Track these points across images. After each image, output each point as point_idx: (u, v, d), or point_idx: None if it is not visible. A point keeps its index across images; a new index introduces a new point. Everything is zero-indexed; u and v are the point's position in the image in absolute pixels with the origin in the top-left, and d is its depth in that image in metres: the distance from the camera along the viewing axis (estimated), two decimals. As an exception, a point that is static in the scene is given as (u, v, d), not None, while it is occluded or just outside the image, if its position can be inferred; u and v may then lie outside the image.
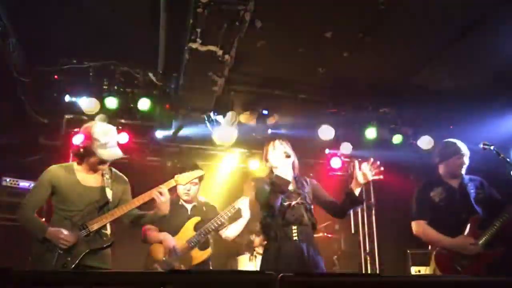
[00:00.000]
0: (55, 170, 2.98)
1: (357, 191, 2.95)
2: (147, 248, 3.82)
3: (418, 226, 3.58)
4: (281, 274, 1.44)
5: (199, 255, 3.77)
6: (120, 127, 5.43)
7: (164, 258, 3.66)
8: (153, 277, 1.51)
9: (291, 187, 3.04)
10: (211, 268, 3.90)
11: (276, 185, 2.94)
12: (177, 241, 3.71)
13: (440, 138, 5.99)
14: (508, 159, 3.37)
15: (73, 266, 2.77)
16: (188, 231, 3.80)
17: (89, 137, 2.94)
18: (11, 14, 4.12)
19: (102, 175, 3.06)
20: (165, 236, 3.73)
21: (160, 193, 2.99)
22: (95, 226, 2.89)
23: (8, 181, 4.44)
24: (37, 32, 4.40)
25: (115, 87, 5.26)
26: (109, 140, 2.96)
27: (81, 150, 2.97)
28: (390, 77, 5.33)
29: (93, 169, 3.02)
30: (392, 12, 4.12)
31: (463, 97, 5.43)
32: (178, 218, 3.84)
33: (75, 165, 3.05)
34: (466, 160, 3.62)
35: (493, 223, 3.43)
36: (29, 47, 4.53)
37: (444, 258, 3.45)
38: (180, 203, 3.95)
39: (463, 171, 3.62)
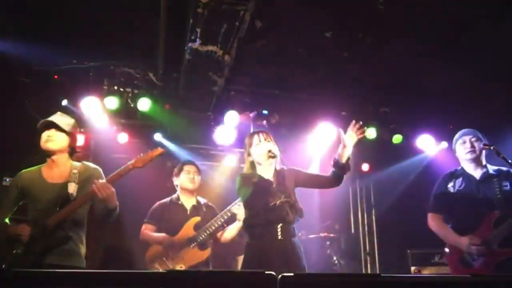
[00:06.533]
0: (22, 173, 3.02)
1: (345, 157, 2.92)
2: (146, 248, 3.81)
3: (430, 220, 3.39)
4: (281, 274, 1.44)
5: (199, 255, 3.77)
6: (120, 127, 5.43)
7: (164, 258, 3.66)
8: (153, 277, 1.51)
9: (273, 186, 3.01)
10: (210, 268, 3.90)
11: (260, 187, 2.97)
12: (177, 241, 3.71)
13: (440, 138, 6.04)
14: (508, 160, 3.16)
15: (31, 264, 2.68)
16: (188, 230, 3.79)
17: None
18: (11, 14, 4.12)
19: (70, 170, 2.99)
20: (164, 236, 3.73)
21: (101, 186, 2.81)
22: (52, 222, 2.79)
23: (8, 181, 4.43)
24: (38, 32, 4.39)
25: (115, 87, 5.26)
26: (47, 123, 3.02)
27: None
28: (389, 77, 5.33)
29: (54, 160, 3.00)
30: (392, 12, 4.12)
31: (463, 97, 5.43)
32: (178, 218, 3.83)
33: (44, 164, 3.05)
34: (469, 144, 3.29)
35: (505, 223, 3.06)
36: (29, 47, 4.53)
37: (452, 256, 3.26)
38: (180, 202, 3.94)
39: (482, 159, 3.29)
